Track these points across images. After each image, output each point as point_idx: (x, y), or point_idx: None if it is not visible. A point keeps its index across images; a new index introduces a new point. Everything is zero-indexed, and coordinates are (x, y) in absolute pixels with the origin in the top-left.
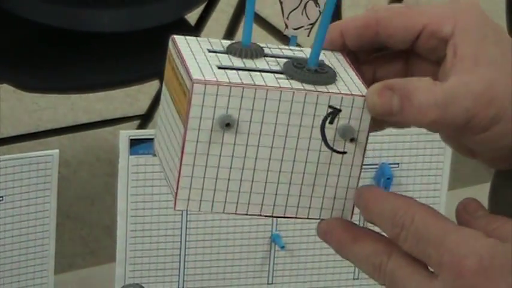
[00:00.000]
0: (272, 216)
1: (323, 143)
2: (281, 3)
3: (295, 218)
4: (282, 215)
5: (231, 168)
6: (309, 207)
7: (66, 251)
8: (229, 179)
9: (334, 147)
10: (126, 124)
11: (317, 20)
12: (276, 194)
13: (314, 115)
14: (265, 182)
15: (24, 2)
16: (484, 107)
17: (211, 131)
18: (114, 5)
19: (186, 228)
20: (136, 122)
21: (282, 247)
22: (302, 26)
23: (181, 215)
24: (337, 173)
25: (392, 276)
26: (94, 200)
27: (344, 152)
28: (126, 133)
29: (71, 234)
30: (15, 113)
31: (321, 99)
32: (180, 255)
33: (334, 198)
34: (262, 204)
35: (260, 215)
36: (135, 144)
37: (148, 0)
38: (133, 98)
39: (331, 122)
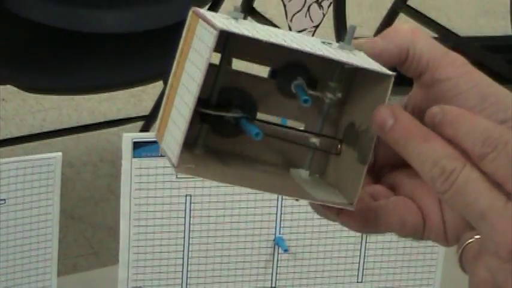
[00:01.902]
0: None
1: None
2: (284, 6)
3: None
4: None
5: None
6: None
7: (70, 252)
8: None
9: None
10: (130, 125)
11: (321, 22)
12: None
13: None
14: None
15: (28, 2)
16: None
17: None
18: (117, 6)
19: (189, 230)
20: (140, 123)
21: (285, 250)
22: (305, 29)
23: (185, 217)
24: None
25: (464, 187)
26: (98, 201)
27: None
28: (129, 136)
29: (75, 235)
30: (20, 114)
31: None
32: (183, 257)
33: None
34: None
35: None
36: (138, 146)
37: (152, 1)
38: (137, 98)
39: None
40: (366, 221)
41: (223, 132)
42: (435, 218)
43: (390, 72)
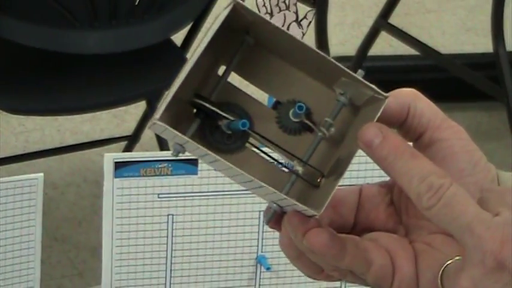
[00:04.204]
0: None
1: None
2: None
3: None
4: None
5: None
6: None
7: (54, 273)
8: None
9: None
10: (113, 145)
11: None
12: None
13: None
14: None
15: (9, 24)
16: None
17: None
18: (100, 26)
19: (172, 250)
20: (123, 143)
21: (268, 268)
22: None
23: (167, 236)
24: None
25: (451, 200)
26: (81, 222)
27: None
28: (110, 156)
29: (59, 256)
30: (2, 135)
31: None
32: (165, 277)
33: None
34: None
35: None
36: (120, 166)
37: (134, 22)
38: (120, 119)
39: None
40: (331, 247)
41: (211, 138)
42: (408, 272)
43: (385, 94)
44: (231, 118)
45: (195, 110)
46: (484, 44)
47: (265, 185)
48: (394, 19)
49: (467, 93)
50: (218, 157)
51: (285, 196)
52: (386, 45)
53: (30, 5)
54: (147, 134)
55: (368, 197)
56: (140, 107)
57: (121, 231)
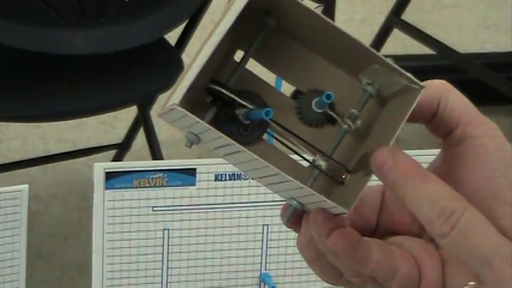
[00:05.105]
0: None
1: None
2: None
3: None
4: None
5: None
6: None
7: None
8: None
9: None
10: (101, 154)
11: None
12: None
13: None
14: None
15: None
16: None
17: None
18: (87, 24)
19: (168, 268)
20: (112, 152)
21: (273, 287)
22: None
23: (162, 253)
24: None
25: (466, 229)
26: (68, 237)
27: None
28: (101, 165)
29: (43, 275)
30: None
31: None
32: None
33: None
34: None
35: None
36: (111, 177)
37: (124, 20)
38: (108, 125)
39: None
40: (356, 250)
41: (226, 128)
42: (435, 281)
43: (422, 84)
44: (251, 107)
45: (210, 98)
46: (505, 43)
47: (292, 179)
48: (408, 16)
49: (487, 96)
50: (242, 148)
51: (313, 191)
52: (399, 44)
53: (10, 2)
54: (139, 142)
55: (392, 197)
56: (131, 112)
57: (112, 248)
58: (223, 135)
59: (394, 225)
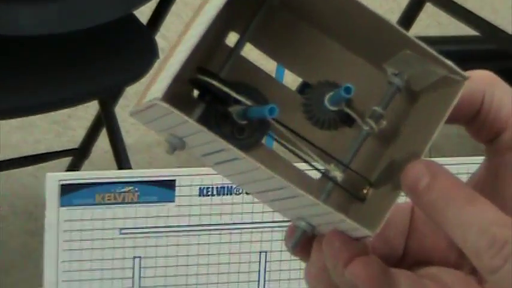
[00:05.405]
0: None
1: None
2: None
3: None
4: None
5: None
6: None
7: None
8: None
9: None
10: (52, 162)
11: None
12: None
13: None
14: None
15: None
16: None
17: None
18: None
19: None
20: (67, 160)
21: None
22: None
23: (132, 286)
24: None
25: None
26: (9, 269)
27: None
28: (54, 176)
29: None
30: None
31: None
32: None
33: None
34: None
35: None
36: (68, 191)
37: None
38: (61, 126)
39: None
40: (382, 283)
41: (217, 130)
42: None
43: (466, 74)
44: (248, 103)
45: (196, 92)
46: None
47: (305, 193)
48: None
49: None
50: (243, 154)
51: (331, 209)
52: (433, 23)
53: None
54: (100, 147)
55: (424, 217)
56: (90, 108)
57: (69, 280)
58: (220, 139)
59: (426, 253)
